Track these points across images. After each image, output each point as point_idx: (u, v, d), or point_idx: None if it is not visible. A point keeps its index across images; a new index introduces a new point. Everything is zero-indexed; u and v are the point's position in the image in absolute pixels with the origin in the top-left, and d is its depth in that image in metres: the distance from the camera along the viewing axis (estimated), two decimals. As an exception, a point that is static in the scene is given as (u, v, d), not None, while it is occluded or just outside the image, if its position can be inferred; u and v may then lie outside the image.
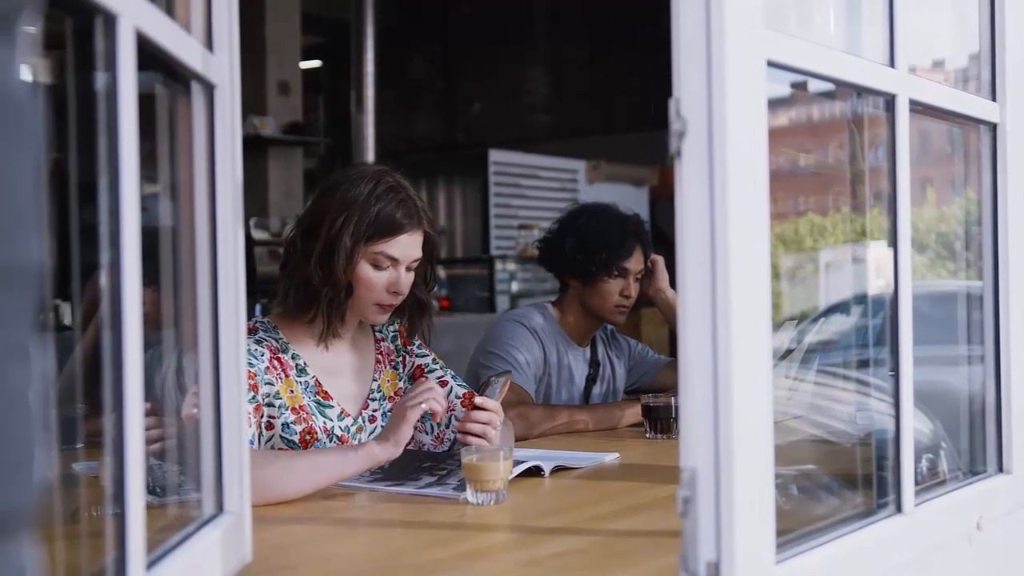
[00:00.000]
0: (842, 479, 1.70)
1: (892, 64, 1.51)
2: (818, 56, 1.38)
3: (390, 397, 2.32)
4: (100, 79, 1.01)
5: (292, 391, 2.16)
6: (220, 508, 1.36)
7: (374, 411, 2.29)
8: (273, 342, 2.18)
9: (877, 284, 1.93)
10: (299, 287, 2.17)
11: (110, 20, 0.99)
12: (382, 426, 2.26)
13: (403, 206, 2.15)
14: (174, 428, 1.50)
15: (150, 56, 1.10)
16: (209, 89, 1.33)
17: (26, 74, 0.58)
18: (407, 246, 2.17)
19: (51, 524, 1.03)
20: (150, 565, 1.07)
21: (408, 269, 2.19)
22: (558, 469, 2.15)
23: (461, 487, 1.88)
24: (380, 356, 2.35)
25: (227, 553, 1.32)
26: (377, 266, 2.16)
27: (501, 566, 1.51)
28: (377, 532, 1.72)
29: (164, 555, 1.15)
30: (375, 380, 2.32)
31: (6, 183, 0.54)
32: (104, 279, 1.01)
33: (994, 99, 1.80)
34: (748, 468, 1.16)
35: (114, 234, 0.99)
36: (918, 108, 1.57)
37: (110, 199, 1.00)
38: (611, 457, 2.33)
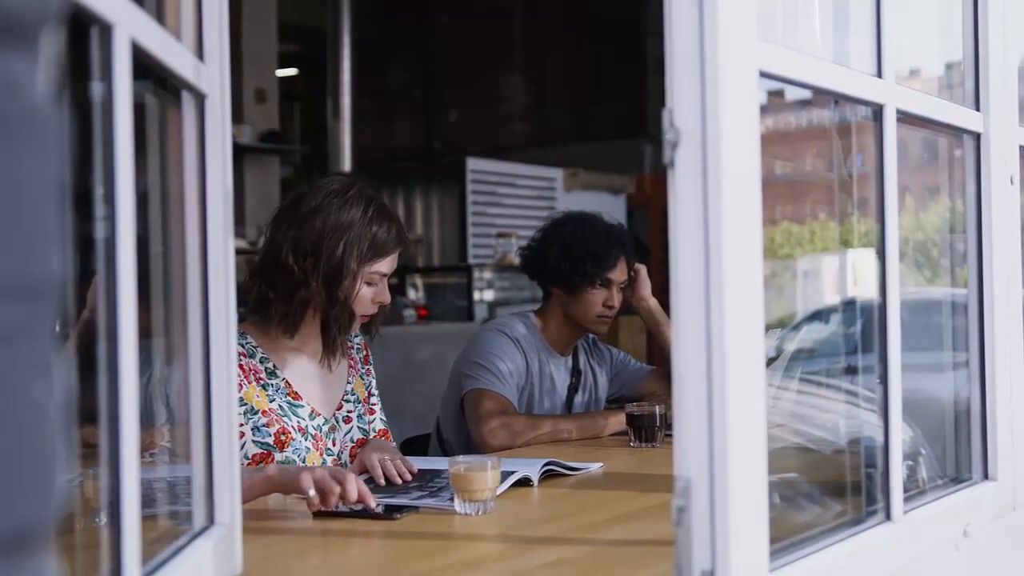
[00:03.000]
0: (830, 487, 1.70)
1: (879, 74, 1.52)
2: (808, 66, 1.39)
3: (363, 401, 2.41)
4: (95, 88, 1.00)
5: (259, 395, 2.20)
6: (211, 520, 1.35)
7: (348, 412, 2.37)
8: (239, 347, 2.19)
9: (856, 292, 1.94)
10: (299, 307, 2.22)
11: (106, 30, 0.98)
12: (358, 427, 2.36)
13: (395, 226, 2.29)
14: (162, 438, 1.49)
15: (142, 65, 1.10)
16: (200, 99, 1.33)
17: (48, 87, 0.58)
18: (394, 261, 2.31)
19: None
20: (144, 578, 1.06)
21: (388, 280, 2.32)
22: (547, 475, 2.16)
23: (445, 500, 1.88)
24: (352, 361, 2.43)
25: (218, 565, 1.32)
26: (370, 283, 2.27)
27: (493, 576, 1.51)
28: (367, 544, 1.71)
29: (158, 567, 1.14)
30: (349, 383, 2.39)
31: (32, 196, 0.53)
32: (98, 289, 1.00)
33: (978, 109, 1.82)
34: (743, 477, 1.17)
35: (110, 243, 0.99)
36: (904, 118, 1.58)
37: (106, 208, 0.99)
38: (596, 467, 2.33)
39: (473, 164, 8.29)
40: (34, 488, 0.54)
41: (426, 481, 2.09)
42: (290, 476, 1.84)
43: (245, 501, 1.97)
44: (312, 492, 1.77)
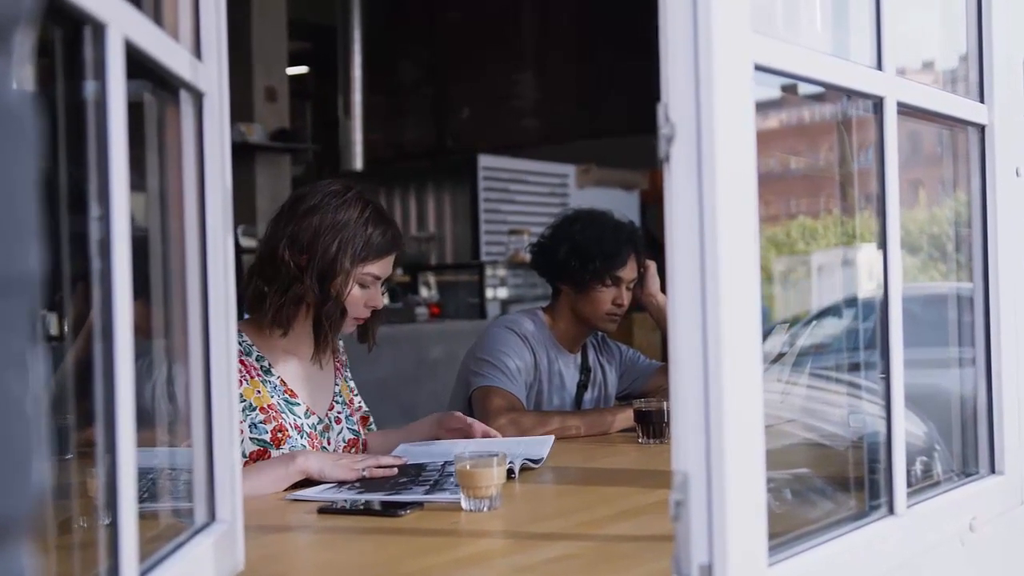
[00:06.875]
0: (835, 481, 1.70)
1: (880, 67, 1.51)
2: (805, 59, 1.38)
3: (348, 403, 2.45)
4: (89, 87, 1.00)
5: (259, 391, 2.24)
6: (212, 517, 1.36)
7: (338, 413, 2.41)
8: (235, 346, 2.21)
9: (869, 287, 1.94)
10: (292, 303, 2.25)
11: (99, 29, 0.98)
12: (347, 428, 2.41)
13: (391, 229, 2.32)
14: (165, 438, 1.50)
15: (138, 64, 1.10)
16: (198, 97, 1.33)
17: (23, 84, 0.58)
18: (390, 265, 2.34)
19: (43, 534, 1.03)
20: (143, 574, 1.07)
21: (382, 284, 2.35)
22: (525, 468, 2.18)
23: (457, 491, 1.87)
24: (338, 365, 2.48)
25: (219, 562, 1.32)
26: (363, 285, 2.30)
27: (496, 572, 1.51)
28: (370, 540, 1.71)
29: (157, 564, 1.14)
30: (336, 385, 2.44)
31: (8, 192, 0.54)
32: (95, 289, 1.00)
33: (982, 101, 1.81)
34: (740, 471, 1.16)
35: (104, 243, 0.99)
36: (906, 110, 1.57)
37: (100, 208, 0.99)
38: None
39: (485, 161, 8.29)
40: (10, 481, 0.54)
41: (416, 476, 2.09)
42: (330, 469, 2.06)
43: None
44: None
